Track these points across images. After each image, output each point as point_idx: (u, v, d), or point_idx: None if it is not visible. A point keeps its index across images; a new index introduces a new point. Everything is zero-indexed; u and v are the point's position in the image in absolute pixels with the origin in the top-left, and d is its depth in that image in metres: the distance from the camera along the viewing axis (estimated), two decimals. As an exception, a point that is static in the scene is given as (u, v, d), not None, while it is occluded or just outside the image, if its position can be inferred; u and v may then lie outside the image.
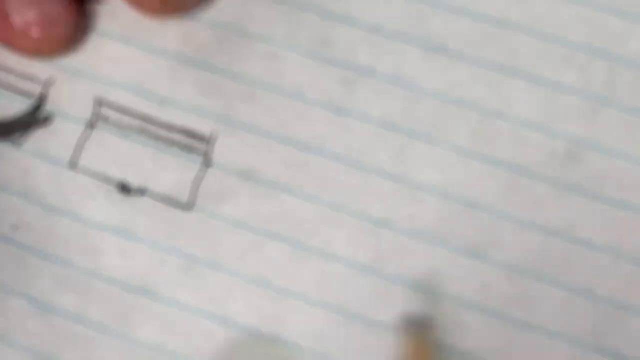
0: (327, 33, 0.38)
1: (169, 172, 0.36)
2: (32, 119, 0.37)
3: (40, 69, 0.37)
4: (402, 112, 0.37)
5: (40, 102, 0.37)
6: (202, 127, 0.37)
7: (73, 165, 0.36)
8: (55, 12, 0.35)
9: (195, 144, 0.37)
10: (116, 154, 0.37)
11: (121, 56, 0.37)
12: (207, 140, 0.37)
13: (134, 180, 0.36)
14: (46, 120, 0.37)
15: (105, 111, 0.37)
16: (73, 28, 0.36)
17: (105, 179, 0.36)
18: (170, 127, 0.37)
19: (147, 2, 0.36)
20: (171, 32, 0.38)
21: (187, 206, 0.36)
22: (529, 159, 0.36)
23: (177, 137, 0.37)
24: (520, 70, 0.37)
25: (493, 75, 0.37)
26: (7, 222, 0.36)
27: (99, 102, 0.37)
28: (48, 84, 0.37)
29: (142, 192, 0.36)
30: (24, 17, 0.35)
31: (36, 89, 0.37)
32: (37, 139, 0.37)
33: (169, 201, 0.36)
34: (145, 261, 0.35)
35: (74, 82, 0.37)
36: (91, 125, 0.37)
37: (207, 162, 0.36)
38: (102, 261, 0.35)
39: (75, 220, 0.36)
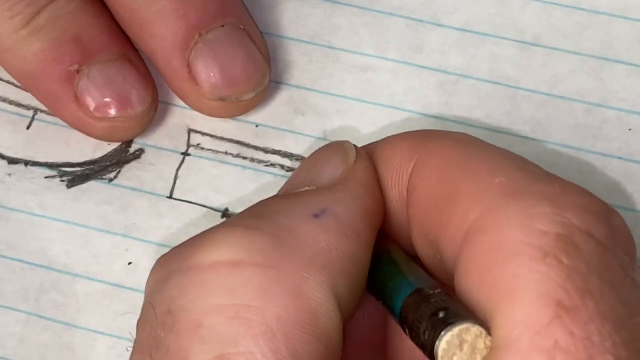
0: (417, 38, 0.37)
1: (270, 194, 0.35)
2: (124, 154, 0.36)
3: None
4: (507, 113, 0.36)
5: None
6: (300, 146, 0.36)
7: (171, 194, 0.35)
8: (132, 91, 0.35)
9: (297, 166, 0.36)
10: (214, 179, 0.35)
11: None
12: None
13: (237, 205, 0.35)
14: (137, 154, 0.36)
15: (198, 139, 0.36)
16: (150, 105, 0.35)
17: (206, 205, 0.35)
18: (267, 150, 0.36)
19: (205, 109, 0.35)
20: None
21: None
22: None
23: (276, 159, 0.36)
24: (619, 58, 0.36)
25: (592, 65, 0.36)
26: (120, 263, 0.34)
27: (191, 131, 0.36)
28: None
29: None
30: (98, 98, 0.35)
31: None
32: (131, 172, 0.36)
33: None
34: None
35: (164, 112, 0.36)
36: (185, 153, 0.36)
37: (310, 181, 0.35)
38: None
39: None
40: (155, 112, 0.36)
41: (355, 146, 0.29)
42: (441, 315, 0.24)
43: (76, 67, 0.35)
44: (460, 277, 0.25)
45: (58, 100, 0.35)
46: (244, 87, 0.35)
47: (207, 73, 0.34)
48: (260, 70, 0.35)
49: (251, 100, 0.35)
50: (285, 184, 0.29)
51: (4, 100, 0.37)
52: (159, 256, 0.34)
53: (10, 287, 0.34)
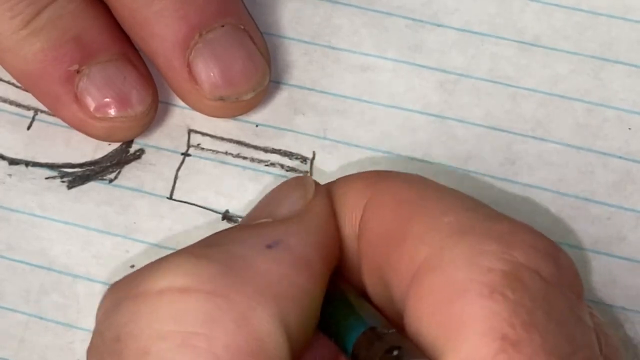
0: (417, 38, 0.37)
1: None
2: (124, 155, 0.36)
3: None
4: (506, 112, 0.36)
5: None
6: (300, 146, 0.36)
7: (171, 195, 0.35)
8: (132, 92, 0.35)
9: (296, 164, 0.36)
10: (214, 180, 0.35)
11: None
12: (309, 160, 0.36)
13: (237, 205, 0.35)
14: (138, 154, 0.36)
15: (198, 139, 0.36)
16: (150, 105, 0.35)
17: (205, 206, 0.35)
18: (267, 150, 0.36)
19: (205, 109, 0.35)
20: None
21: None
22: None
23: (276, 158, 0.36)
24: (619, 58, 0.36)
25: (592, 65, 0.36)
26: (120, 264, 0.35)
27: (190, 131, 0.36)
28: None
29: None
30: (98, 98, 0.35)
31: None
32: (131, 173, 0.36)
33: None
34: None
35: (163, 112, 0.36)
36: (185, 154, 0.36)
37: (310, 181, 0.35)
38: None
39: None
40: (155, 112, 0.36)
41: (315, 182, 0.29)
42: (395, 353, 0.24)
43: (76, 67, 0.35)
44: (409, 317, 0.25)
45: (58, 100, 0.35)
46: (243, 87, 0.35)
47: (207, 73, 0.34)
48: (260, 70, 0.35)
49: (251, 100, 0.35)
50: (244, 217, 0.29)
51: (4, 100, 0.37)
52: (159, 257, 0.34)
53: (10, 288, 0.34)
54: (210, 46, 0.34)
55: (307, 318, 0.26)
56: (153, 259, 0.34)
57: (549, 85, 0.36)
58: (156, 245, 0.35)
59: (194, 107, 0.36)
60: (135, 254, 0.34)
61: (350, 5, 0.37)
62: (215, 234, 0.28)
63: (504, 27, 0.37)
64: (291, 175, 0.35)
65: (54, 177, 0.36)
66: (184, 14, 0.34)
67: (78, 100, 0.35)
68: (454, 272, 0.24)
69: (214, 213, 0.35)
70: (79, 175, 0.36)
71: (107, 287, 0.34)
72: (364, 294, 0.28)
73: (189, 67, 0.34)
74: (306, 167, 0.35)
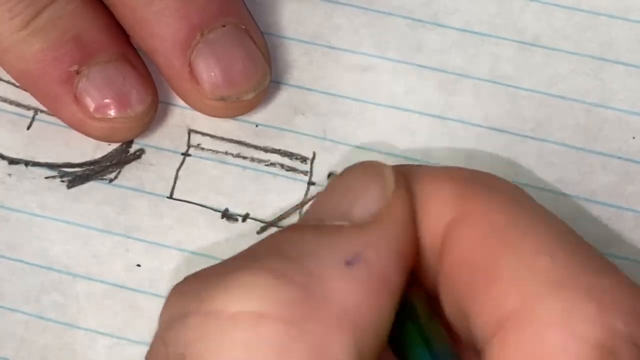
0: (417, 38, 0.37)
1: (272, 194, 0.35)
2: (124, 154, 0.36)
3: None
4: (507, 112, 0.36)
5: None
6: (300, 146, 0.36)
7: (171, 194, 0.35)
8: (132, 92, 0.35)
9: (296, 165, 0.36)
10: (214, 179, 0.35)
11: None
12: (309, 160, 0.36)
13: (237, 205, 0.35)
14: (138, 154, 0.36)
15: (198, 139, 0.36)
16: (150, 105, 0.35)
17: (205, 205, 0.35)
18: (267, 149, 0.36)
19: (206, 108, 0.35)
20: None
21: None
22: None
23: (276, 158, 0.36)
24: (619, 58, 0.36)
25: (592, 65, 0.36)
26: (120, 263, 0.34)
27: (191, 131, 0.36)
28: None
29: (245, 217, 0.35)
30: (98, 98, 0.35)
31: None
32: (131, 173, 0.36)
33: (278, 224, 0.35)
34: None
35: (163, 112, 0.36)
36: (185, 154, 0.36)
37: (310, 182, 0.35)
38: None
39: (181, 250, 0.35)
40: (155, 112, 0.36)
41: (394, 173, 0.27)
42: None
43: (76, 67, 0.35)
44: None
45: (57, 101, 0.35)
46: (244, 87, 0.35)
47: (208, 72, 0.34)
48: (261, 70, 0.35)
49: (251, 100, 0.35)
50: (314, 205, 0.27)
51: (4, 100, 0.37)
52: (159, 254, 0.34)
53: (10, 287, 0.34)
54: (211, 46, 0.34)
55: (380, 339, 0.25)
56: (153, 259, 0.34)
57: (549, 85, 0.36)
58: (156, 244, 0.35)
59: (195, 107, 0.36)
60: (135, 253, 0.34)
61: (350, 5, 0.37)
62: (286, 237, 0.26)
63: (504, 27, 0.37)
64: (291, 175, 0.35)
65: (53, 177, 0.36)
66: (185, 13, 0.34)
67: (77, 100, 0.35)
68: (546, 333, 0.23)
69: (214, 212, 0.35)
70: (79, 175, 0.36)
71: (107, 286, 0.34)
72: (434, 297, 0.27)
73: (190, 67, 0.34)
74: (306, 167, 0.35)
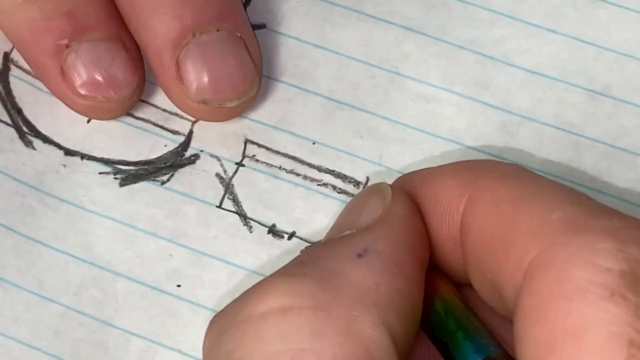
0: (485, 74, 0.36)
1: (320, 214, 0.35)
2: (179, 158, 0.36)
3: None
4: (567, 160, 0.35)
5: (187, 141, 0.36)
6: (354, 168, 0.36)
7: (221, 204, 0.35)
8: (118, 74, 0.35)
9: (349, 188, 0.35)
10: (264, 193, 0.35)
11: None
12: (362, 185, 0.35)
13: (284, 221, 0.35)
14: (192, 159, 0.36)
15: (253, 150, 0.36)
16: (134, 90, 0.35)
17: (253, 218, 0.35)
18: (321, 169, 0.36)
19: (187, 108, 0.35)
20: (321, 71, 0.37)
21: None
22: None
23: (329, 178, 0.35)
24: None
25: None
26: (162, 267, 0.35)
27: (247, 142, 0.36)
28: (195, 122, 0.36)
29: (291, 235, 0.35)
30: (84, 75, 0.35)
31: (184, 128, 0.36)
32: (184, 177, 0.36)
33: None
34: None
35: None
36: (239, 164, 0.36)
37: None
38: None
39: (224, 262, 0.35)
40: (138, 97, 0.36)
41: (389, 185, 0.29)
42: None
43: (66, 41, 0.35)
44: (520, 314, 0.24)
45: (45, 70, 0.35)
46: (229, 94, 0.34)
47: (194, 74, 0.34)
48: (249, 80, 0.35)
49: (234, 108, 0.35)
50: (327, 232, 0.29)
51: (68, 90, 0.37)
52: (201, 263, 0.34)
53: (52, 278, 0.34)
54: (200, 48, 0.34)
55: (410, 319, 0.26)
56: (195, 267, 0.34)
57: (614, 137, 0.35)
58: (199, 252, 0.35)
59: (177, 105, 0.35)
60: (179, 259, 0.34)
61: (422, 33, 0.37)
62: (303, 254, 0.28)
63: (575, 73, 0.36)
64: (342, 198, 0.35)
65: (107, 173, 0.36)
66: (180, 13, 0.34)
67: (64, 74, 0.35)
68: (570, 270, 0.23)
69: (261, 226, 0.35)
70: (132, 173, 0.36)
71: (147, 288, 0.34)
72: (467, 285, 0.28)
73: (177, 65, 0.34)
74: (358, 192, 0.35)
